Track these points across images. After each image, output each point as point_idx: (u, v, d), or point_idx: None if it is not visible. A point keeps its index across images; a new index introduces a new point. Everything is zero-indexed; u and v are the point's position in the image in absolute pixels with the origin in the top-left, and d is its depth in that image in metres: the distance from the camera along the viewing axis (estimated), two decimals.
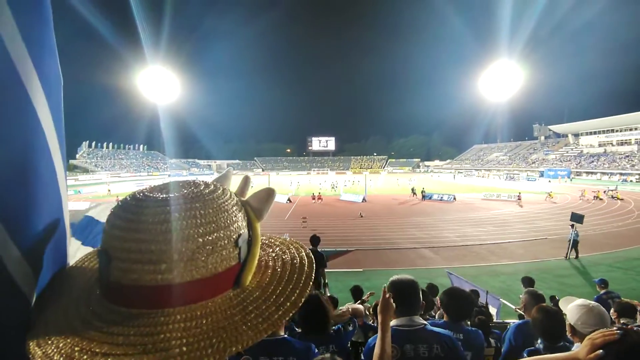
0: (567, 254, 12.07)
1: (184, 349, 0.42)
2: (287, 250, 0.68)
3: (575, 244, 12.04)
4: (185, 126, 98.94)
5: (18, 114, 0.59)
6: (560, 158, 65.94)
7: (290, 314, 0.52)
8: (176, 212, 0.49)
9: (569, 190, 34.74)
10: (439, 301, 3.26)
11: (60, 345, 0.44)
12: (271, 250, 0.69)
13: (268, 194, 0.63)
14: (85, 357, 0.42)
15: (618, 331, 0.98)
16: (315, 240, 6.23)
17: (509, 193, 29.50)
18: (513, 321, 4.03)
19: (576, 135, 71.25)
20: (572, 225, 12.20)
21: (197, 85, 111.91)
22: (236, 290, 0.54)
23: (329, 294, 4.80)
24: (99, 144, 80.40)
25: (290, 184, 37.92)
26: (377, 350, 1.44)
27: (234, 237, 0.54)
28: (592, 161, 58.92)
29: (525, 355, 2.05)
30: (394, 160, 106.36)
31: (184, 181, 0.59)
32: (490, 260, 12.15)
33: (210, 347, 0.43)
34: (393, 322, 1.70)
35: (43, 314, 0.54)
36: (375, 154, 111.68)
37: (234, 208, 0.56)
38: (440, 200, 28.62)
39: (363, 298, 4.24)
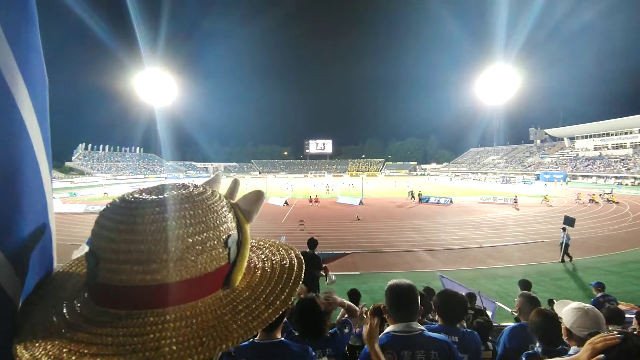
0: (561, 257, 12.12)
1: (174, 347, 0.42)
2: (276, 252, 0.69)
3: (566, 247, 12.13)
4: (182, 129, 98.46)
5: (2, 117, 0.58)
6: (556, 161, 66.31)
7: (280, 312, 0.52)
8: (165, 213, 0.50)
9: (565, 194, 34.98)
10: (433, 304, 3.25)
11: (48, 347, 0.44)
12: (261, 252, 0.69)
13: (257, 197, 0.64)
14: (73, 358, 0.42)
15: (619, 335, 0.99)
16: (312, 243, 6.18)
17: (506, 196, 29.64)
18: (509, 324, 4.02)
19: (572, 138, 71.73)
20: (564, 229, 12.30)
21: (194, 88, 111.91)
22: (226, 291, 0.54)
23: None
24: (95, 146, 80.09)
25: (287, 188, 37.87)
26: None
27: (224, 237, 0.54)
28: (588, 164, 59.30)
29: (524, 359, 2.05)
30: (390, 163, 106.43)
31: (173, 184, 0.59)
32: (487, 263, 12.17)
33: (200, 346, 0.43)
34: (390, 328, 1.69)
35: (30, 317, 0.53)
36: (372, 157, 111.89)
37: (224, 209, 0.57)
38: (437, 203, 28.67)
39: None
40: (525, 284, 5.83)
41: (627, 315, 4.13)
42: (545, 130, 79.71)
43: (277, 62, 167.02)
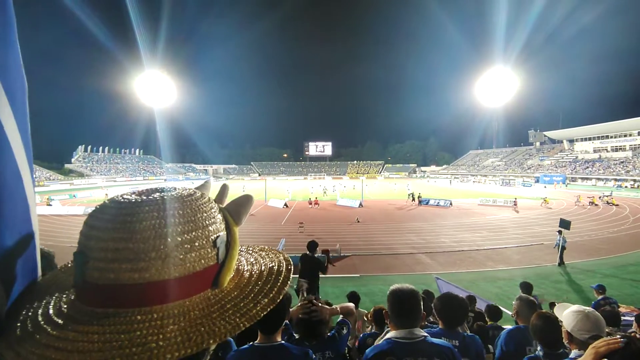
0: (559, 260, 12.12)
1: (161, 343, 0.42)
2: (265, 256, 0.70)
3: (562, 251, 12.13)
4: (181, 131, 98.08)
5: None
6: (556, 164, 66.38)
7: (269, 309, 0.53)
8: (154, 212, 0.50)
9: (565, 196, 35.00)
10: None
11: (34, 347, 0.44)
12: (249, 256, 0.71)
13: (246, 200, 0.66)
14: (59, 356, 0.42)
15: (622, 339, 0.98)
16: (312, 245, 6.15)
17: (505, 198, 29.67)
18: (508, 327, 4.01)
19: (571, 141, 71.87)
20: (560, 232, 12.30)
21: (194, 90, 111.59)
22: (214, 291, 0.55)
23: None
24: (95, 148, 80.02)
25: (286, 191, 37.85)
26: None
27: (212, 237, 0.55)
28: (587, 167, 59.35)
29: None
30: (390, 165, 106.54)
31: (163, 187, 0.60)
32: (487, 265, 12.16)
33: (187, 341, 0.43)
34: (392, 334, 1.65)
35: (15, 319, 0.53)
36: (371, 159, 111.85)
37: (212, 210, 0.58)
38: (437, 205, 28.66)
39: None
40: (526, 287, 5.81)
41: (627, 318, 4.13)
42: (545, 133, 79.88)
43: (277, 65, 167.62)
